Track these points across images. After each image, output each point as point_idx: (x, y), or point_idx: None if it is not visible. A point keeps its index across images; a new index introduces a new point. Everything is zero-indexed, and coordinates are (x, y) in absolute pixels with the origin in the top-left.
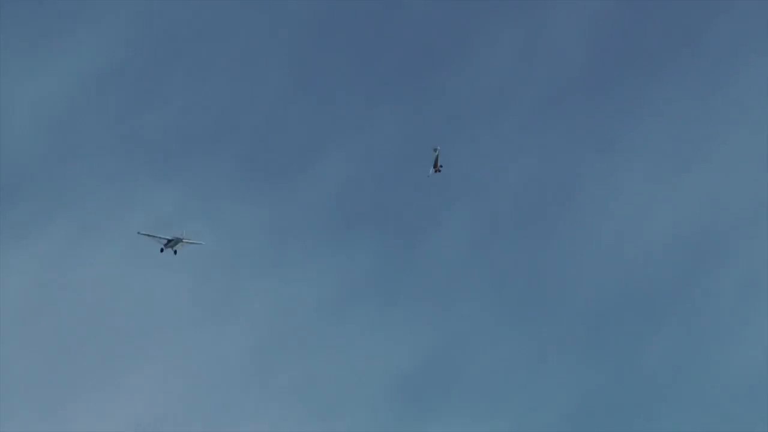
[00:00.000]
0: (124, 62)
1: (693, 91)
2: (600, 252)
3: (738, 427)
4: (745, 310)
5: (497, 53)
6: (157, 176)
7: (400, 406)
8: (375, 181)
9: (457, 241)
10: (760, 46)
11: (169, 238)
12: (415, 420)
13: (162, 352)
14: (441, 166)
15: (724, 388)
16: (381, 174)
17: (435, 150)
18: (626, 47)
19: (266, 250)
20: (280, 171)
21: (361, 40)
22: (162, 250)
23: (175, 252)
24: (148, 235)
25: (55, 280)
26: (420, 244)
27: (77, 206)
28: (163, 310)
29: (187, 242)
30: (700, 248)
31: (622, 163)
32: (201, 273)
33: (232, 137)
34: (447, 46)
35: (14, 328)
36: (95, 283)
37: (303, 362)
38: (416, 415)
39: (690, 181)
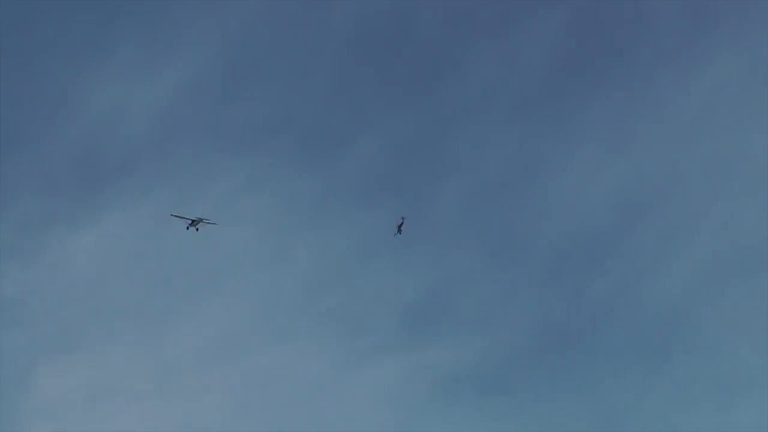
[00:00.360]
0: (211, 69)
1: (626, 91)
2: (559, 210)
3: (659, 338)
4: (666, 255)
5: (482, 61)
6: (233, 155)
7: (409, 327)
8: (392, 159)
9: (453, 203)
10: (681, 56)
11: (193, 218)
12: (419, 337)
13: (234, 285)
14: (401, 231)
15: (650, 313)
16: (397, 154)
17: (402, 218)
18: (579, 57)
19: (313, 209)
20: (323, 151)
21: (384, 54)
22: (188, 228)
23: (197, 229)
24: (178, 216)
25: (156, 234)
26: (425, 207)
27: (174, 178)
28: (234, 256)
29: (205, 222)
30: (632, 208)
31: (577, 146)
32: (263, 227)
33: (289, 125)
34: (446, 57)
35: (128, 269)
36: (184, 238)
37: (338, 293)
38: (421, 333)
39: (623, 160)
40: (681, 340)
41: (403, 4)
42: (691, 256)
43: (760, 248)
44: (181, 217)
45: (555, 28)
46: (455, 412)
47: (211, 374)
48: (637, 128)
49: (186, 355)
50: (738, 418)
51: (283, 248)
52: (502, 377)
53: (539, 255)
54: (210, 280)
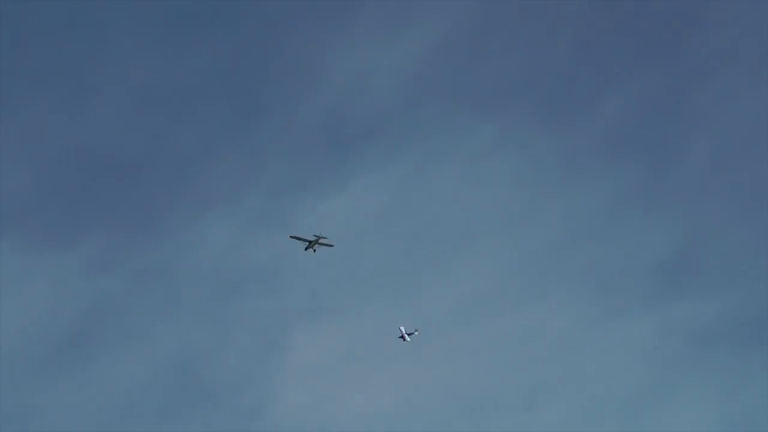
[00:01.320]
0: (456, 30)
1: None
2: None
3: None
4: None
5: (726, 15)
6: (480, 117)
7: (662, 282)
8: (640, 116)
9: (702, 158)
10: None
11: (310, 239)
12: (673, 292)
13: (484, 244)
14: (408, 337)
15: None
16: (644, 111)
17: (415, 330)
18: None
19: (561, 168)
20: (570, 110)
21: (628, 11)
22: (306, 249)
23: (314, 251)
24: (296, 238)
25: (404, 198)
26: (675, 163)
27: (421, 141)
28: (484, 216)
29: (322, 243)
30: None
31: None
32: (512, 186)
33: (535, 85)
34: (691, 12)
35: (377, 233)
36: (430, 201)
37: (588, 250)
38: (674, 288)
39: None
40: None
41: None
42: None
43: None
44: (299, 238)
45: None
46: (711, 366)
47: (462, 335)
48: None
49: (437, 315)
50: None
51: (532, 207)
52: (757, 330)
53: None
54: (460, 240)
